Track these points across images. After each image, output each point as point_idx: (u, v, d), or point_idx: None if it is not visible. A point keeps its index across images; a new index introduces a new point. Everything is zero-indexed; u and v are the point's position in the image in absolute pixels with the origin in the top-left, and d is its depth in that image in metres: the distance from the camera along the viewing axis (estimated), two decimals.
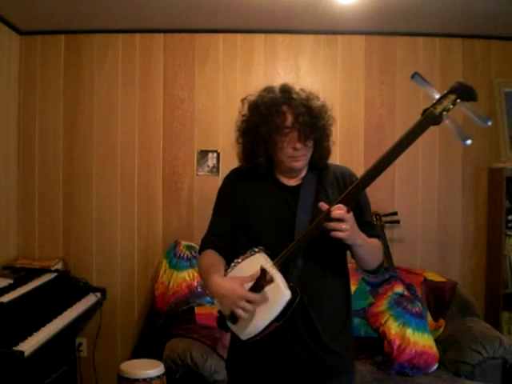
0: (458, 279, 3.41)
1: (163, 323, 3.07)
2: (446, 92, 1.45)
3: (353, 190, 1.53)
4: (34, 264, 3.27)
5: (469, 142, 1.46)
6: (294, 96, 1.63)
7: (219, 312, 1.62)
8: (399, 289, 3.11)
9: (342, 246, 1.62)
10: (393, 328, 2.92)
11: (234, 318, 1.55)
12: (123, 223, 3.50)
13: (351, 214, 1.50)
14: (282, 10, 3.07)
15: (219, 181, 3.72)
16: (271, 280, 1.51)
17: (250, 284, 1.54)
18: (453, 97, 1.44)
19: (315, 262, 1.63)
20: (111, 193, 3.50)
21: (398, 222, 3.46)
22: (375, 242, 1.70)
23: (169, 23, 3.38)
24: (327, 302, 1.65)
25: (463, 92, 1.45)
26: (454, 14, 3.13)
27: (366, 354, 3.04)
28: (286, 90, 1.66)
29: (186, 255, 3.23)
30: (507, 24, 3.26)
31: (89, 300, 3.20)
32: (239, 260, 1.62)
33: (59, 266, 3.36)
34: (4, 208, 3.31)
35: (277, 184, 1.72)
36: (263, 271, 1.52)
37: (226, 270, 1.65)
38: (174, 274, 3.17)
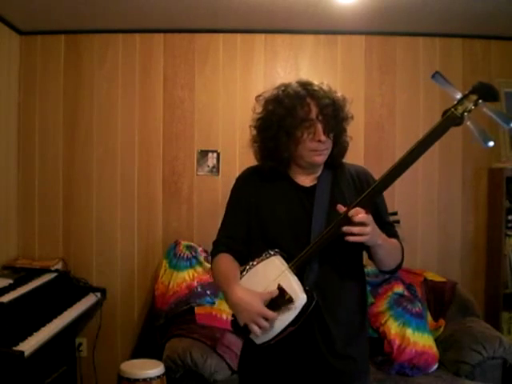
0: (457, 279, 3.41)
1: (163, 323, 3.06)
2: (467, 92, 1.42)
3: (371, 193, 1.50)
4: (34, 264, 3.27)
5: (491, 143, 1.42)
6: (317, 88, 1.61)
7: (233, 315, 1.59)
8: (399, 289, 3.11)
9: (359, 249, 1.59)
10: (393, 328, 2.92)
11: (247, 331, 1.53)
12: (123, 223, 3.50)
13: (370, 216, 1.47)
14: (281, 10, 3.07)
15: (219, 181, 3.74)
16: (290, 300, 1.48)
17: (268, 300, 1.51)
18: (474, 97, 1.40)
19: (331, 266, 1.60)
20: (111, 193, 3.50)
21: (397, 222, 3.45)
22: (394, 242, 1.67)
23: (169, 23, 3.38)
24: (343, 305, 1.62)
25: (485, 92, 1.41)
26: (454, 14, 3.13)
27: None
28: (306, 83, 1.64)
29: (185, 255, 3.23)
30: (507, 24, 3.26)
31: (89, 300, 3.20)
32: (254, 263, 1.59)
33: (59, 266, 3.36)
34: (4, 208, 3.32)
35: (292, 184, 1.68)
36: (281, 289, 1.50)
37: (241, 272, 1.62)
38: (174, 274, 3.17)
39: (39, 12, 3.11)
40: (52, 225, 3.49)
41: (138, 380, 2.65)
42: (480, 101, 1.40)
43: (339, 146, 1.68)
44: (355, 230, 1.43)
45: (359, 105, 3.51)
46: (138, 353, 3.38)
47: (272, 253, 1.56)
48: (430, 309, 3.19)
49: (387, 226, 1.69)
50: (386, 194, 3.84)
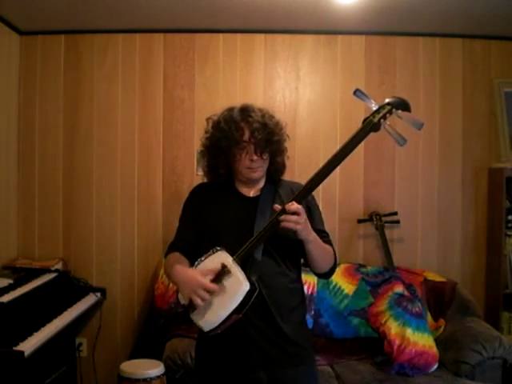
0: (458, 279, 3.41)
1: (163, 323, 3.07)
2: (383, 103, 1.68)
3: (302, 192, 1.69)
4: (34, 264, 3.27)
5: (404, 143, 1.72)
6: (252, 114, 1.84)
7: (183, 306, 1.71)
8: (399, 289, 3.11)
9: (298, 246, 1.76)
10: (393, 328, 2.92)
11: (192, 307, 1.65)
12: (123, 223, 3.50)
13: (304, 210, 1.65)
14: (282, 10, 3.07)
15: None
16: (229, 272, 1.63)
17: (211, 277, 1.65)
18: (388, 107, 1.67)
19: (273, 259, 1.78)
20: (111, 193, 3.50)
21: (397, 222, 3.46)
22: (327, 246, 1.84)
23: (169, 23, 3.38)
24: (285, 296, 1.78)
25: (397, 103, 1.69)
26: (454, 14, 3.13)
27: (366, 354, 3.04)
28: (244, 108, 1.87)
29: None
30: (507, 24, 3.26)
31: (89, 300, 3.20)
32: (203, 258, 1.75)
33: (59, 266, 3.35)
34: (4, 208, 3.32)
35: (237, 195, 1.90)
36: (223, 266, 1.65)
37: (190, 267, 1.77)
38: None
39: (39, 12, 3.11)
40: (52, 225, 3.49)
41: (138, 380, 2.65)
42: (393, 109, 1.68)
43: (275, 165, 1.90)
44: (289, 217, 1.62)
45: (359, 105, 3.49)
46: (137, 353, 3.37)
47: (218, 248, 1.73)
48: (430, 309, 3.19)
49: (321, 233, 1.85)
50: (386, 193, 3.85)
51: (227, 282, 1.64)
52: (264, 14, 3.15)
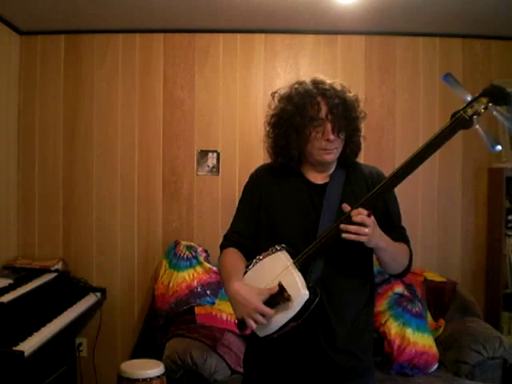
0: (458, 279, 3.41)
1: (163, 323, 3.07)
2: (478, 95, 1.38)
3: (375, 194, 1.50)
4: (34, 264, 3.27)
5: (499, 147, 1.39)
6: (328, 87, 1.64)
7: (238, 320, 1.60)
8: (399, 289, 3.11)
9: (366, 249, 1.58)
10: (393, 328, 2.92)
11: (244, 325, 1.55)
12: (123, 223, 3.50)
13: (372, 217, 1.46)
14: (282, 10, 3.07)
15: (219, 181, 3.74)
16: (288, 298, 1.49)
17: (267, 296, 1.52)
18: (485, 100, 1.37)
19: (337, 263, 1.60)
20: (111, 193, 3.50)
21: None
22: (401, 246, 1.66)
23: (169, 23, 3.38)
24: (347, 303, 1.62)
25: (496, 95, 1.37)
26: (454, 14, 3.13)
27: None
28: (318, 81, 1.66)
29: (186, 255, 3.23)
30: (507, 24, 3.26)
31: (89, 300, 3.20)
32: (261, 257, 1.61)
33: (59, 266, 3.35)
34: (4, 208, 3.31)
35: (304, 181, 1.69)
36: (281, 287, 1.51)
37: (247, 266, 1.64)
38: (174, 274, 3.17)
39: (39, 12, 3.11)
40: (52, 225, 3.49)
41: (137, 380, 2.65)
42: (490, 104, 1.37)
43: (351, 146, 1.68)
44: (352, 228, 1.44)
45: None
46: (137, 353, 3.38)
47: (278, 248, 1.58)
48: (430, 309, 3.19)
49: (397, 229, 1.70)
50: None
51: (286, 286, 1.51)
52: (264, 14, 3.15)
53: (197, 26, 3.43)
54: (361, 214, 1.44)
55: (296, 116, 1.61)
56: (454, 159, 3.55)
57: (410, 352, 2.82)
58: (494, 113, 1.39)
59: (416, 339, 2.87)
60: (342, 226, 1.45)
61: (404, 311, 2.98)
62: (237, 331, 1.69)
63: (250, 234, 1.72)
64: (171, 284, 3.14)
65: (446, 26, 3.37)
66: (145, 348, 3.38)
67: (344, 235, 1.45)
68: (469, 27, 3.38)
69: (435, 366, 2.86)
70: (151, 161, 3.51)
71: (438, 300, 3.22)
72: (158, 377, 2.67)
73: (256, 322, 1.50)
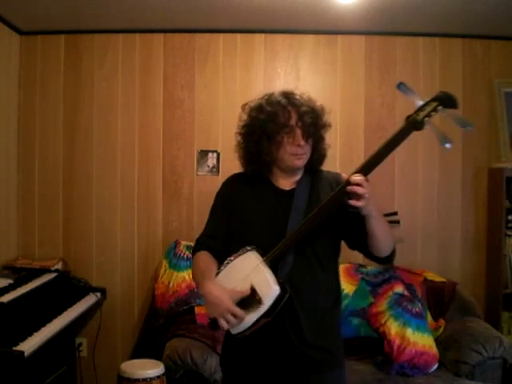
0: (458, 279, 3.41)
1: (163, 323, 3.07)
2: (428, 99, 1.53)
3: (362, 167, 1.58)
4: (34, 264, 3.27)
5: (448, 145, 1.52)
6: (297, 97, 1.73)
7: (210, 319, 1.66)
8: (399, 289, 3.11)
9: (334, 244, 1.72)
10: (393, 328, 2.92)
11: (216, 324, 1.60)
12: (123, 223, 3.50)
13: (368, 184, 1.53)
14: (282, 9, 3.07)
15: (219, 181, 3.73)
16: (259, 302, 1.56)
17: (239, 298, 1.59)
18: (435, 104, 1.52)
19: (306, 260, 1.68)
20: (111, 193, 3.50)
21: (398, 222, 3.46)
22: (387, 223, 1.72)
23: (169, 23, 3.38)
24: (315, 299, 1.70)
25: (445, 100, 1.52)
26: (454, 14, 3.13)
27: (366, 354, 3.04)
28: (288, 92, 1.76)
29: (186, 255, 3.23)
30: (507, 24, 3.26)
31: (89, 300, 3.20)
32: (232, 258, 1.68)
33: (59, 266, 3.36)
34: (4, 208, 3.32)
35: (273, 188, 1.79)
36: (253, 290, 1.58)
37: (218, 267, 1.71)
38: (174, 274, 3.17)
39: (39, 12, 3.11)
40: (52, 225, 3.49)
41: (137, 380, 2.65)
42: (440, 107, 1.51)
43: (317, 153, 1.79)
44: (353, 188, 1.51)
45: (359, 105, 3.51)
46: (137, 353, 3.38)
47: (249, 248, 1.66)
48: (430, 309, 3.19)
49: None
50: (386, 193, 3.85)
51: (256, 282, 1.59)
52: (264, 14, 3.15)
53: (197, 26, 3.43)
54: (359, 176, 1.52)
55: (268, 123, 1.71)
56: (454, 159, 3.55)
57: (410, 352, 2.82)
58: (444, 115, 1.53)
59: (416, 339, 2.87)
60: (348, 188, 1.51)
61: (404, 311, 2.98)
62: None
63: (221, 238, 1.80)
64: (171, 284, 3.14)
65: (446, 25, 3.37)
66: (145, 348, 3.38)
67: (348, 200, 1.52)
68: (469, 27, 3.38)
69: (435, 366, 2.86)
70: (151, 161, 3.51)
71: (438, 300, 3.22)
72: (158, 377, 2.67)
73: (227, 322, 1.57)
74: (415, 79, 3.53)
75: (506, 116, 3.48)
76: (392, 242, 1.72)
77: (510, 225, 3.40)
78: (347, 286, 3.18)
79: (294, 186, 1.78)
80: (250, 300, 1.58)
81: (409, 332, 2.89)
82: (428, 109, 1.53)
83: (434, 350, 2.89)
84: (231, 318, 1.57)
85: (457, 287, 3.27)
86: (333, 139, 3.50)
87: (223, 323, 1.57)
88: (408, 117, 1.55)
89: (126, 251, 3.50)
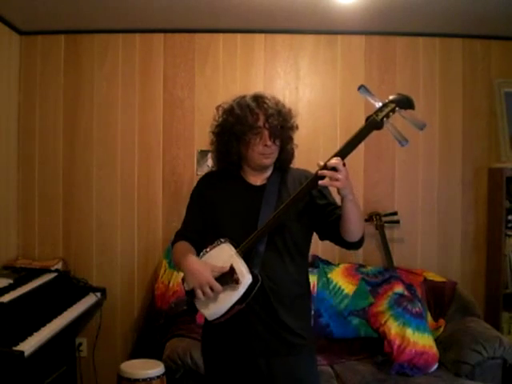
0: (457, 279, 3.41)
1: (163, 323, 3.07)
2: (386, 101, 1.63)
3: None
4: (34, 264, 3.27)
5: (406, 144, 1.66)
6: (266, 101, 1.85)
7: (187, 292, 1.78)
8: (399, 289, 3.11)
9: (304, 235, 1.86)
10: (393, 328, 2.92)
11: (193, 295, 1.72)
12: (123, 223, 3.50)
13: (344, 168, 1.62)
14: (282, 9, 3.07)
15: None
16: (237, 281, 1.68)
17: (218, 273, 1.72)
18: (392, 105, 1.63)
19: (277, 251, 1.81)
20: (111, 193, 3.50)
21: (397, 222, 3.46)
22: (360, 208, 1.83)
23: (169, 23, 3.38)
24: (286, 286, 1.81)
25: (401, 101, 1.64)
26: (454, 14, 3.13)
27: (366, 354, 3.04)
28: (258, 96, 1.87)
29: None
30: (507, 24, 3.26)
31: (89, 300, 3.20)
32: (208, 249, 1.80)
33: (59, 266, 3.35)
34: (4, 208, 3.32)
35: (244, 184, 1.91)
36: (232, 269, 1.70)
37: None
38: (174, 274, 3.17)
39: (39, 12, 3.11)
40: (52, 225, 3.49)
41: (137, 380, 2.66)
42: (397, 108, 1.63)
43: (286, 152, 1.92)
44: (327, 173, 1.61)
45: (359, 105, 3.50)
46: (137, 353, 3.37)
47: (223, 240, 1.78)
48: (430, 309, 3.19)
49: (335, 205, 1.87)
50: (386, 194, 3.84)
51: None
52: (264, 14, 3.15)
53: (197, 26, 3.43)
54: (336, 160, 1.61)
55: (237, 125, 1.83)
56: (453, 159, 3.55)
57: (410, 352, 2.82)
58: (401, 115, 1.64)
59: (416, 339, 2.87)
60: (320, 172, 1.62)
61: (404, 311, 2.98)
62: None
63: (197, 232, 1.93)
64: (171, 284, 3.15)
65: (446, 25, 3.37)
66: (145, 348, 3.37)
67: (321, 181, 1.61)
68: (469, 27, 3.38)
69: (435, 366, 2.86)
70: (151, 161, 3.51)
71: (438, 300, 3.22)
72: (158, 377, 2.68)
73: (204, 293, 1.69)
74: (415, 79, 3.54)
75: (506, 116, 3.48)
76: (363, 227, 1.81)
77: (510, 225, 3.40)
78: (347, 286, 3.18)
79: (264, 182, 1.90)
80: (227, 278, 1.70)
81: (409, 332, 2.89)
82: (386, 110, 1.63)
83: (434, 350, 2.89)
84: (208, 291, 1.68)
85: (457, 287, 3.27)
86: (333, 139, 3.51)
87: (200, 294, 1.69)
88: (368, 117, 1.65)
89: (125, 251, 3.50)
